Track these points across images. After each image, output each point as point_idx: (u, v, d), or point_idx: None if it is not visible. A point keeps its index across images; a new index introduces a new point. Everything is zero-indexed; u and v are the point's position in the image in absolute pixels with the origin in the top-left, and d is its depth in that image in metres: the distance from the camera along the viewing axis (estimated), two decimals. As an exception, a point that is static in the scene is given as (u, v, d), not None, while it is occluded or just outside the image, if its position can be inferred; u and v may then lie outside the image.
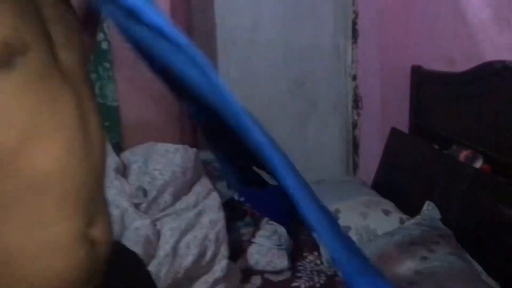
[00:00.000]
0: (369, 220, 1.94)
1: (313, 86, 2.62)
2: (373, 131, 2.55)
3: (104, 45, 2.25)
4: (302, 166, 2.41)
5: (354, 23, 2.48)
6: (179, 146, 2.12)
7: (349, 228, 1.94)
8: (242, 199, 2.10)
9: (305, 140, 2.62)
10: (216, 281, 1.68)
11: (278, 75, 2.57)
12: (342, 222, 1.97)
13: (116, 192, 1.89)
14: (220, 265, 1.71)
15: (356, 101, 2.57)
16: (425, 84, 2.26)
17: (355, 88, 2.57)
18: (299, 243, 2.09)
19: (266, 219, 2.01)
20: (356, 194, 2.15)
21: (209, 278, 1.68)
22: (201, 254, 1.70)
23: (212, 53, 2.53)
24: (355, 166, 2.65)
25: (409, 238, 1.73)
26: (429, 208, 1.88)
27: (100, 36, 2.25)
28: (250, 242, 1.95)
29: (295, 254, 1.99)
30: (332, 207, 2.05)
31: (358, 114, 2.59)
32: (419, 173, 2.10)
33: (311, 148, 2.64)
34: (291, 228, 2.04)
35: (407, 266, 1.57)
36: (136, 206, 1.88)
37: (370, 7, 2.39)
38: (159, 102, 2.28)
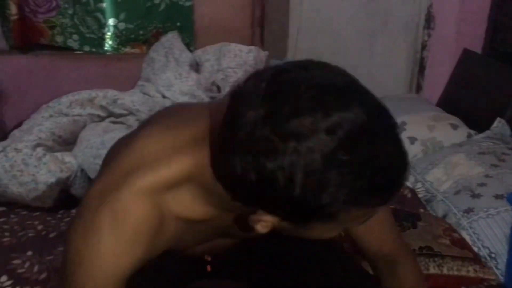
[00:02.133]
0: (436, 133, 1.97)
1: (385, 2, 2.56)
2: (442, 53, 2.50)
3: None
4: (366, 82, 2.43)
5: None
6: (252, 47, 2.16)
7: (414, 139, 1.97)
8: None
9: (371, 57, 2.60)
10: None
11: (351, -12, 2.53)
12: (407, 133, 2.00)
13: (193, 83, 1.96)
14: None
15: (429, 21, 2.52)
16: (506, 7, 2.19)
17: (429, 7, 2.51)
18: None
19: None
20: (422, 110, 2.17)
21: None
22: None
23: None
24: (419, 87, 2.63)
25: (478, 148, 1.75)
26: (499, 125, 1.88)
27: None
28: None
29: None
30: (398, 120, 2.07)
31: (429, 35, 2.54)
32: (491, 94, 2.08)
33: (376, 66, 2.62)
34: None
35: (476, 171, 1.60)
36: (211, 99, 1.96)
37: None
38: (234, 4, 2.30)
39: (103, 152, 1.47)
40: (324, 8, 2.57)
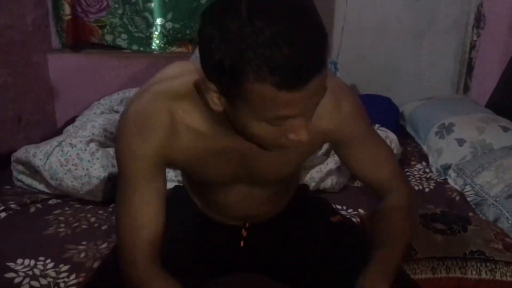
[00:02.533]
0: (485, 135, 1.92)
1: (432, 1, 2.52)
2: (492, 53, 2.44)
3: None
4: (412, 82, 2.41)
5: None
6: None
7: (463, 140, 1.93)
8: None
9: (417, 57, 2.57)
10: (329, 172, 1.76)
11: (398, -13, 2.49)
12: (456, 135, 1.96)
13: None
14: (334, 158, 1.79)
15: (478, 20, 2.46)
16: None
17: (479, 6, 2.45)
18: (407, 153, 2.12)
19: (377, 125, 2.04)
20: (471, 111, 2.12)
21: (323, 168, 1.76)
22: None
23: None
24: (467, 88, 2.57)
25: (531, 152, 1.70)
26: (554, 128, 1.82)
27: None
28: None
29: (402, 163, 2.03)
30: (446, 121, 2.04)
31: (479, 35, 2.48)
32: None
33: (423, 66, 2.59)
34: (399, 139, 2.06)
35: (530, 175, 1.56)
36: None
37: None
38: None
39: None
40: (369, 7, 2.55)
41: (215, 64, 0.70)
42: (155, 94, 0.87)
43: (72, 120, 2.14)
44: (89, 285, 1.04)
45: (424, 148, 2.11)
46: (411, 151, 2.14)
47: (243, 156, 0.94)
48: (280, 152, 0.86)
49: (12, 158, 1.73)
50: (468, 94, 2.54)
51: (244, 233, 1.15)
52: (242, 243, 1.15)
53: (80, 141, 1.65)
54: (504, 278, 1.24)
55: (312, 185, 1.74)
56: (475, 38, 2.49)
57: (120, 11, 2.41)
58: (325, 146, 1.76)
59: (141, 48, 2.47)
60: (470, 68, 2.55)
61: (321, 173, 1.76)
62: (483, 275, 1.24)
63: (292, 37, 0.66)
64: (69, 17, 2.34)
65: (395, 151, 1.97)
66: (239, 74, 0.69)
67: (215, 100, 0.78)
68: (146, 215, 0.90)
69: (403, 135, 2.20)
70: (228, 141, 0.89)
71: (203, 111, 0.86)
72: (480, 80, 2.51)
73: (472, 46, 2.51)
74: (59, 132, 2.03)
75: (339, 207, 1.63)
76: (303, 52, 0.67)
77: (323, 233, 1.16)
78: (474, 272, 1.25)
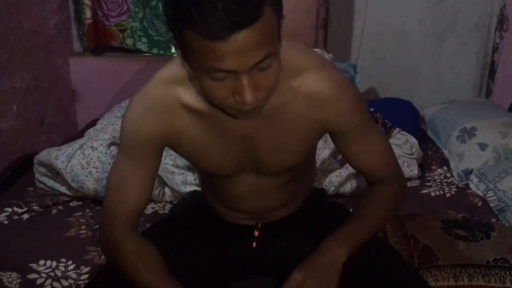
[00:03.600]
0: (509, 139, 1.88)
1: (454, 3, 2.48)
2: (515, 56, 2.40)
3: None
4: (432, 85, 2.38)
5: None
6: (316, 49, 2.15)
7: (486, 145, 1.90)
8: (372, 109, 2.11)
9: (438, 59, 2.54)
10: (349, 176, 1.75)
11: (418, -11, 2.47)
12: (478, 139, 1.93)
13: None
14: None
15: (501, 23, 2.42)
16: None
17: (502, 8, 2.40)
18: (427, 157, 2.09)
19: (398, 129, 2.02)
20: (494, 115, 2.08)
21: (343, 172, 1.75)
22: (336, 151, 1.77)
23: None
24: (489, 91, 2.53)
25: (556, 157, 1.67)
26: None
27: None
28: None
29: (423, 167, 2.00)
30: (468, 125, 2.01)
31: (501, 37, 2.44)
32: None
33: (444, 69, 2.55)
34: (420, 143, 2.03)
35: (555, 181, 1.52)
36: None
37: None
38: (300, 6, 2.30)
39: (172, 151, 1.53)
40: (389, 9, 2.53)
41: (167, 16, 0.78)
42: (159, 79, 0.95)
43: (93, 123, 2.16)
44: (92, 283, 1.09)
45: (445, 152, 2.08)
46: (432, 156, 2.12)
47: (244, 140, 0.98)
48: (250, 117, 0.88)
49: (35, 161, 1.76)
50: (490, 98, 2.50)
51: (256, 233, 1.16)
52: (254, 244, 1.16)
53: (101, 144, 1.67)
54: (528, 287, 1.22)
55: (331, 189, 1.73)
56: (497, 41, 2.45)
57: (140, 15, 2.43)
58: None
59: (161, 52, 2.49)
60: (492, 71, 2.50)
61: (341, 177, 1.75)
62: (507, 284, 1.22)
63: None
64: (90, 21, 2.37)
65: (415, 156, 1.95)
66: (178, 22, 0.76)
67: (180, 57, 0.84)
68: (132, 186, 0.99)
69: (424, 139, 2.17)
70: (226, 120, 0.93)
71: (198, 93, 0.93)
72: (502, 84, 2.47)
73: (495, 49, 2.47)
74: (80, 134, 2.06)
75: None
76: (224, 4, 0.71)
77: None
78: (498, 281, 1.22)
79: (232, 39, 0.73)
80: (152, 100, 0.94)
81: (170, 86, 0.93)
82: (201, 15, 0.72)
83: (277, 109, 0.93)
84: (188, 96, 0.94)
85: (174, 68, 0.93)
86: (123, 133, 0.98)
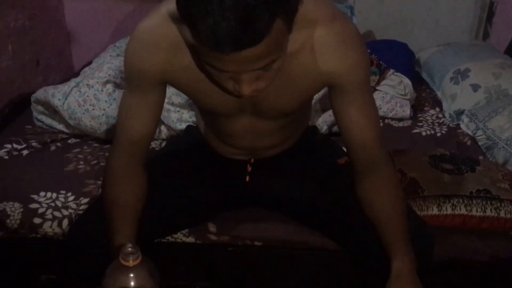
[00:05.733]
0: (501, 80, 1.90)
1: None
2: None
3: None
4: (429, 28, 2.35)
5: None
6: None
7: (478, 86, 1.92)
8: (368, 50, 2.11)
9: (436, 2, 2.49)
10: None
11: None
12: (471, 80, 1.95)
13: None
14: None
15: (502, -37, 2.37)
16: None
17: None
18: (420, 99, 2.11)
19: (392, 70, 2.03)
20: (488, 57, 2.08)
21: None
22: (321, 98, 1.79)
23: None
24: (486, 34, 2.51)
25: (546, 96, 1.69)
26: None
27: None
28: (374, 89, 2.00)
29: (416, 108, 2.03)
30: (462, 66, 2.02)
31: (501, -22, 2.40)
32: None
33: (441, 13, 2.52)
34: (414, 85, 2.05)
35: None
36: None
37: None
38: None
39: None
40: None
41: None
42: (163, 14, 0.91)
43: (89, 64, 2.16)
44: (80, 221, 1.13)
45: (439, 94, 2.10)
46: (425, 97, 2.14)
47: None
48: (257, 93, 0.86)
49: (32, 99, 1.78)
50: (488, 41, 2.49)
51: (249, 168, 1.20)
52: (247, 178, 1.20)
53: (97, 82, 1.69)
54: (508, 216, 1.27)
55: (324, 128, 1.76)
56: (497, -18, 2.41)
57: (134, -46, 2.38)
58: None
59: (156, -8, 2.45)
60: (490, 14, 2.48)
61: (333, 116, 1.78)
62: (488, 213, 1.27)
63: (224, 10, 0.69)
64: (83, -41, 2.32)
65: (408, 96, 1.97)
66: (185, 19, 0.75)
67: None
68: (132, 117, 1.01)
69: (418, 81, 2.19)
70: None
71: None
72: (500, 27, 2.45)
73: (494, -9, 2.43)
74: (76, 75, 2.07)
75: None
76: (229, 24, 0.69)
77: (329, 174, 1.20)
78: (479, 210, 1.28)
79: (236, 54, 0.73)
80: (156, 35, 0.92)
81: (175, 22, 0.90)
82: (205, 30, 0.71)
83: (284, 63, 0.92)
84: None
85: None
86: (125, 65, 0.99)
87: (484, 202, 1.28)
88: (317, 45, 0.91)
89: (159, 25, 0.91)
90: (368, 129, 1.01)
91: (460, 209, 1.28)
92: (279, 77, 0.94)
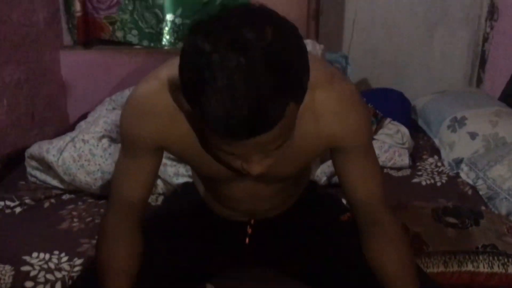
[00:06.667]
0: (499, 128, 1.90)
1: (445, -7, 2.49)
2: (506, 46, 2.41)
3: None
4: (424, 75, 2.39)
5: None
6: (308, 41, 2.16)
7: (476, 134, 1.91)
8: (364, 99, 2.12)
9: (430, 49, 2.55)
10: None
11: (410, -19, 2.47)
12: (469, 128, 1.95)
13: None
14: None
15: (492, 13, 2.43)
16: None
17: (492, -2, 2.42)
18: (418, 147, 2.11)
19: (389, 119, 2.03)
20: (484, 104, 2.10)
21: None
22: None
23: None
24: (479, 81, 2.54)
25: (545, 145, 1.68)
26: None
27: None
28: (372, 139, 1.99)
29: (414, 156, 2.02)
30: (458, 114, 2.02)
31: (492, 27, 2.45)
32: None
33: (435, 59, 2.57)
34: (411, 133, 2.05)
35: (544, 168, 1.54)
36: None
37: None
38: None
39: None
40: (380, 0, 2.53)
41: (180, 75, 0.73)
42: (162, 80, 0.88)
43: (84, 116, 2.16)
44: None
45: (436, 141, 2.10)
46: (423, 145, 2.13)
47: None
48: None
49: (26, 154, 1.75)
50: (481, 87, 2.52)
51: (249, 230, 1.16)
52: (247, 240, 1.16)
53: (93, 137, 1.67)
54: (517, 272, 1.24)
55: (323, 179, 1.74)
56: (488, 31, 2.46)
57: (130, 7, 2.42)
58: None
59: (152, 44, 2.48)
60: (483, 61, 2.52)
61: (332, 167, 1.76)
62: (495, 269, 1.24)
63: (236, 99, 0.66)
64: (79, 13, 2.36)
65: (406, 145, 1.96)
66: (192, 103, 0.72)
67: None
68: (131, 181, 0.99)
69: (415, 129, 2.19)
70: None
71: None
72: (493, 73, 2.49)
73: (485, 39, 2.48)
74: (71, 128, 2.05)
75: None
76: (241, 113, 0.67)
77: (332, 232, 1.16)
78: (486, 266, 1.24)
79: (245, 142, 0.71)
80: (152, 103, 0.89)
81: (173, 90, 0.86)
82: (215, 118, 0.69)
83: None
84: None
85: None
86: (121, 131, 0.97)
87: (491, 258, 1.25)
88: (318, 109, 0.90)
89: (157, 91, 0.88)
90: (372, 188, 0.99)
91: (467, 265, 1.25)
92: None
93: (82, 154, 1.63)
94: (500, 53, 2.44)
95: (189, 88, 0.71)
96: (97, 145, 1.65)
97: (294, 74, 0.70)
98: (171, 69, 0.84)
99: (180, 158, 1.04)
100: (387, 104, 2.13)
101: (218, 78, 0.66)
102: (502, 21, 2.41)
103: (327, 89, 0.90)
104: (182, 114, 0.88)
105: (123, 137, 0.98)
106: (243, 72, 0.66)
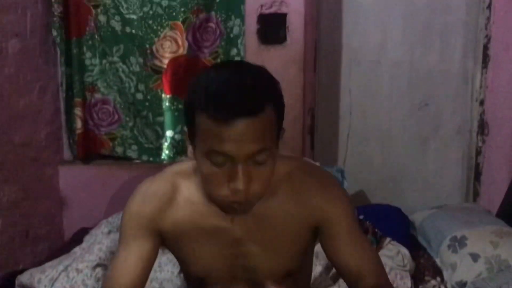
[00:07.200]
0: (500, 250, 1.87)
1: (436, 109, 2.58)
2: (498, 160, 2.45)
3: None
4: (419, 189, 2.39)
5: (486, 48, 2.42)
6: (300, 158, 2.19)
7: (478, 256, 1.88)
8: (361, 216, 2.11)
9: (424, 164, 2.58)
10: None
11: (401, 97, 2.57)
12: (470, 249, 1.91)
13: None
14: (344, 283, 1.73)
15: (482, 127, 2.50)
16: None
17: (482, 114, 2.50)
18: (420, 266, 2.06)
19: (388, 239, 2.01)
20: (484, 222, 2.08)
21: (334, 290, 1.71)
22: (328, 267, 1.74)
23: (335, 72, 2.59)
24: (476, 194, 2.55)
25: (550, 272, 1.65)
26: None
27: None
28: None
29: (416, 278, 1.96)
30: (458, 233, 2.00)
31: (483, 141, 2.51)
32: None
33: (430, 172, 2.59)
34: (411, 251, 2.01)
35: (551, 301, 1.49)
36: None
37: (505, 32, 2.33)
38: (287, 115, 2.36)
39: (160, 275, 1.48)
40: (373, 114, 2.62)
41: (184, 105, 0.91)
42: (167, 171, 1.04)
43: (79, 232, 2.12)
44: None
45: (437, 261, 2.05)
46: (425, 264, 2.08)
47: (235, 244, 0.99)
48: (241, 213, 0.92)
49: (17, 282, 1.70)
50: (478, 201, 2.52)
51: None
52: None
53: (87, 266, 1.63)
54: None
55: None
56: (480, 144, 2.52)
57: (131, 124, 2.48)
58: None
59: (151, 159, 2.51)
60: (478, 174, 2.55)
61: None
62: None
63: (227, 81, 0.84)
64: (80, 130, 2.41)
65: (408, 267, 1.92)
66: (192, 107, 0.87)
67: (190, 149, 0.93)
68: (125, 269, 1.01)
69: (415, 246, 2.15)
70: (220, 220, 0.98)
71: (202, 190, 0.98)
72: (488, 186, 2.50)
73: (478, 152, 2.53)
74: (65, 245, 2.01)
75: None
76: (232, 92, 0.83)
77: None
78: None
79: (234, 125, 0.82)
80: (155, 186, 1.02)
81: (175, 178, 1.01)
82: (211, 100, 0.83)
83: (267, 212, 0.97)
84: (189, 189, 1.00)
85: (184, 164, 1.05)
86: (122, 221, 1.04)
87: None
88: (296, 185, 0.98)
89: (161, 179, 1.02)
90: (363, 264, 1.01)
91: None
92: (265, 232, 0.98)
93: (75, 285, 1.59)
94: (494, 166, 2.48)
95: (189, 95, 0.87)
96: (91, 275, 1.61)
97: (269, 79, 0.89)
98: (175, 166, 1.05)
99: (172, 248, 1.05)
100: (385, 221, 2.12)
101: (211, 72, 0.87)
102: (493, 136, 2.47)
103: (305, 172, 1.01)
104: (180, 202, 0.99)
105: (125, 221, 1.03)
106: (233, 73, 0.87)
